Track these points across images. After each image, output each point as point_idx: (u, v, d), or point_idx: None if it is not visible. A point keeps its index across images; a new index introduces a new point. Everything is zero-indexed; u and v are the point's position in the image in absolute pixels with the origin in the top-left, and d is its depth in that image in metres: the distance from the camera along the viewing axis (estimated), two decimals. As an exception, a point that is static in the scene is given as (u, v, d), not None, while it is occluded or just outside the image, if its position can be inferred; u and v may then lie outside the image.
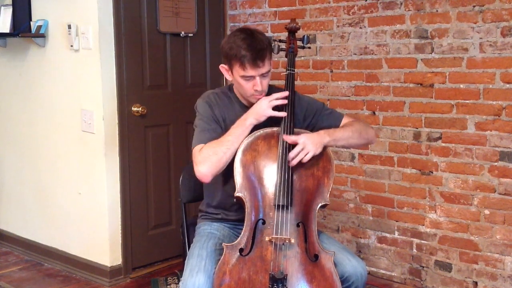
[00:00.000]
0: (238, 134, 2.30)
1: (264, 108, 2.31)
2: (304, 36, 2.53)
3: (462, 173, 3.30)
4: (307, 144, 2.25)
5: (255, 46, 2.27)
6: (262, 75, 2.32)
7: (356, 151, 3.71)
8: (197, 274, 2.15)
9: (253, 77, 2.31)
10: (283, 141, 2.27)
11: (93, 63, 3.57)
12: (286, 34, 2.52)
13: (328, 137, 2.33)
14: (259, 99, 2.35)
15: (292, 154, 2.25)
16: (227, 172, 2.32)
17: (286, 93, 2.35)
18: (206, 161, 2.26)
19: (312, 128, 2.46)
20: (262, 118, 2.31)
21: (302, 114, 2.46)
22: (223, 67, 2.43)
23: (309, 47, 2.61)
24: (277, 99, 2.33)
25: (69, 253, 3.92)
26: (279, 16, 4.00)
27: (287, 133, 2.29)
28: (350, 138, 2.42)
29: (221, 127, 2.39)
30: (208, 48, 4.16)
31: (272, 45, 2.39)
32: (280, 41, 2.51)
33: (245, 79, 2.32)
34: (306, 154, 2.24)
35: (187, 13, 3.96)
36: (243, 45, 2.27)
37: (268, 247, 2.18)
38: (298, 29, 2.51)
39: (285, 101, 2.34)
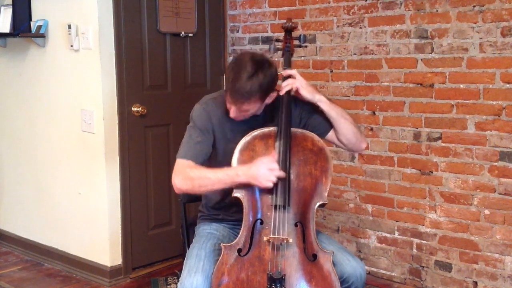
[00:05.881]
0: (222, 180, 2.23)
1: (262, 176, 2.16)
2: (300, 35, 2.52)
3: (462, 173, 3.30)
4: (298, 78, 2.34)
5: (237, 91, 2.20)
6: (241, 110, 2.27)
7: (356, 151, 3.70)
8: (195, 274, 2.16)
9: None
10: (280, 141, 2.26)
11: (93, 63, 3.57)
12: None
13: (323, 95, 2.39)
14: (239, 119, 2.33)
15: (284, 83, 2.33)
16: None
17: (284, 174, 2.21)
18: (183, 179, 2.27)
19: (307, 127, 2.42)
20: (255, 183, 2.18)
21: (298, 117, 2.44)
22: None
23: (306, 46, 2.60)
24: (277, 175, 2.18)
25: (69, 253, 3.92)
26: (279, 16, 3.99)
27: (283, 133, 2.27)
28: (342, 116, 2.37)
29: (213, 136, 2.37)
30: (208, 48, 4.16)
31: (266, 89, 2.23)
32: (277, 40, 2.51)
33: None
34: (294, 84, 2.32)
35: (187, 13, 3.96)
36: (232, 80, 2.21)
37: (266, 247, 2.18)
38: (295, 28, 2.50)
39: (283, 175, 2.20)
